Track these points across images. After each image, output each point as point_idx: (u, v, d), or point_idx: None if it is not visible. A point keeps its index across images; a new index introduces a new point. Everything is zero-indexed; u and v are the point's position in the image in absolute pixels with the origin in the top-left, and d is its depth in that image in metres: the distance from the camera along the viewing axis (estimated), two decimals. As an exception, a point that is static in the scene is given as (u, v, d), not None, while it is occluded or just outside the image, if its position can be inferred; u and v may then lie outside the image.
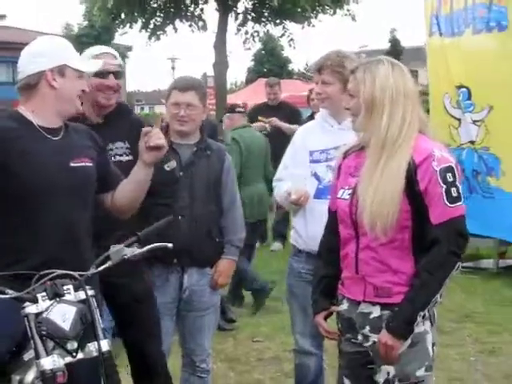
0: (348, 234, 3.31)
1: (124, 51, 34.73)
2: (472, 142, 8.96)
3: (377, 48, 70.37)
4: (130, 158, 4.07)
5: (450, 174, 3.16)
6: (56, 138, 3.33)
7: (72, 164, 3.33)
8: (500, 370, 5.95)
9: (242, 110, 8.41)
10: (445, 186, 3.14)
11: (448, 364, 5.97)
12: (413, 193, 3.15)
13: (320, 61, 4.30)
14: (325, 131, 4.33)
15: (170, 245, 3.33)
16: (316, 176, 4.25)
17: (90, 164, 3.40)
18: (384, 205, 3.13)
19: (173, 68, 49.82)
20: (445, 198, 3.13)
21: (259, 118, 10.24)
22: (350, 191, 3.30)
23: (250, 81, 43.08)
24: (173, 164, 4.30)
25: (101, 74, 4.04)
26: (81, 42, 34.35)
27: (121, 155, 4.08)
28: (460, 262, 3.20)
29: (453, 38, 9.16)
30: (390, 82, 3.24)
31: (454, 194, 3.15)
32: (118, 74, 4.13)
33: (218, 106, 22.44)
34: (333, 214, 3.46)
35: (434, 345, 3.31)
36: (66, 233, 3.26)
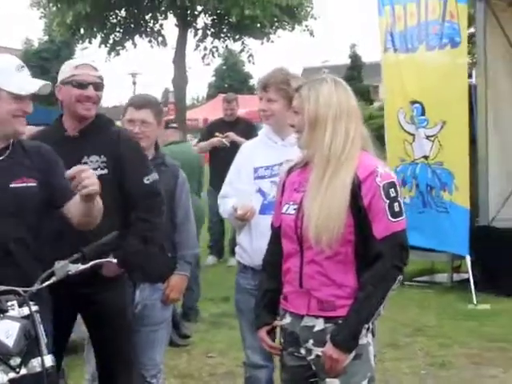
0: (292, 248, 3.35)
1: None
2: (426, 157, 9.08)
3: (338, 63, 70.92)
4: (105, 171, 4.05)
5: (392, 190, 3.23)
6: None
7: (12, 185, 3.32)
8: (450, 382, 6.04)
9: (174, 125, 8.40)
10: (388, 201, 3.21)
11: (399, 378, 6.05)
12: (356, 208, 3.21)
13: (265, 78, 4.37)
14: (268, 148, 4.38)
15: (114, 260, 3.34)
16: (261, 192, 4.30)
17: (33, 184, 3.38)
18: (330, 219, 3.18)
19: (134, 83, 49.60)
20: (388, 212, 3.20)
21: (216, 133, 10.27)
22: (295, 206, 3.34)
23: (211, 96, 43.19)
24: (155, 176, 4.25)
25: (80, 85, 4.05)
26: (41, 56, 34.27)
27: (95, 169, 4.00)
28: (402, 275, 3.26)
29: (407, 54, 9.30)
30: (334, 99, 3.30)
31: (397, 209, 3.22)
32: (98, 86, 4.12)
33: (178, 121, 22.50)
34: (276, 229, 3.51)
35: (375, 356, 3.38)
36: (3, 252, 3.26)
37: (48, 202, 3.44)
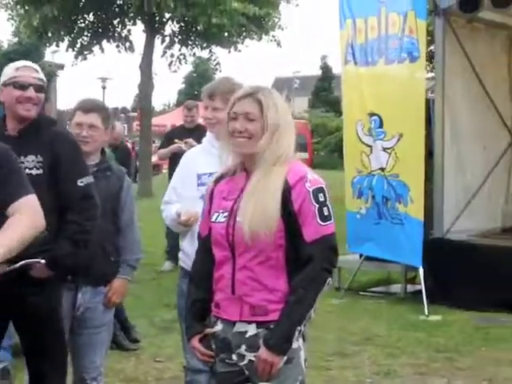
0: (224, 255, 3.38)
1: (55, 69, 34.48)
2: (382, 169, 9.17)
3: (309, 74, 71.18)
4: (40, 171, 4.06)
5: (321, 195, 3.31)
6: None
7: None
8: (394, 391, 6.11)
9: None
10: (317, 206, 3.28)
11: (344, 386, 6.11)
12: (287, 212, 3.27)
13: (211, 87, 4.45)
14: (211, 155, 4.42)
15: (42, 261, 3.36)
16: (204, 198, 4.34)
17: None
18: (261, 227, 3.23)
19: (103, 87, 49.45)
20: (317, 216, 3.28)
21: (175, 140, 10.30)
22: (225, 214, 3.39)
23: (180, 103, 43.15)
24: (90, 179, 4.26)
25: (21, 87, 4.09)
26: (9, 58, 33.99)
27: (31, 168, 4.05)
28: (331, 278, 3.33)
29: (367, 67, 9.39)
30: (285, 107, 3.42)
31: (326, 213, 3.30)
32: (39, 88, 4.15)
33: (143, 127, 22.54)
34: (204, 239, 3.54)
35: (305, 361, 3.41)
36: None
37: None
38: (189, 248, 4.39)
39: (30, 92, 4.11)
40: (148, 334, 7.66)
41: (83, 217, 4.18)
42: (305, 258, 3.27)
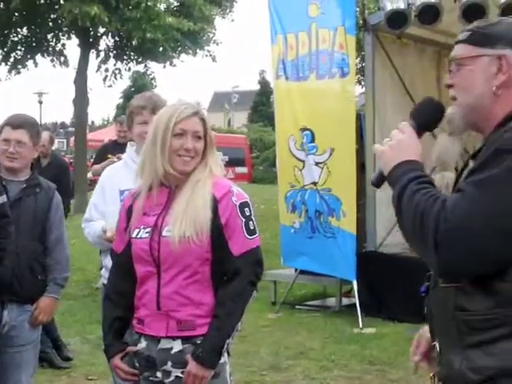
0: (147, 271, 3.37)
1: (-12, 84, 34.02)
2: (314, 184, 9.25)
3: (248, 89, 71.45)
4: None
5: (247, 209, 3.36)
6: None
7: None
8: (326, 404, 6.15)
9: None
10: (244, 220, 3.33)
11: (276, 400, 6.13)
12: (214, 226, 3.28)
13: (153, 102, 4.45)
14: (133, 171, 4.41)
15: None
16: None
17: None
18: (190, 240, 3.24)
19: (40, 102, 48.96)
20: (244, 230, 3.32)
21: (108, 155, 10.23)
22: (147, 229, 3.38)
23: (117, 117, 42.95)
24: (3, 198, 4.26)
25: None
26: None
27: None
28: (256, 290, 3.37)
29: (298, 82, 9.47)
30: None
31: (252, 227, 3.35)
32: None
33: (78, 142, 22.34)
34: (119, 256, 3.54)
35: (230, 375, 3.43)
36: None
37: None
38: None
39: None
40: (81, 351, 7.59)
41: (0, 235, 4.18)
42: (232, 272, 3.30)
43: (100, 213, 4.48)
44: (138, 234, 3.41)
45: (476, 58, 2.29)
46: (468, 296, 2.16)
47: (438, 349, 2.34)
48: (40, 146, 4.82)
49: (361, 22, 9.85)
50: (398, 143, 2.36)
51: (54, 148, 10.82)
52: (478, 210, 2.06)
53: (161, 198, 3.42)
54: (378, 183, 2.45)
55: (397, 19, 9.12)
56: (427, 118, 2.45)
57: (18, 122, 4.57)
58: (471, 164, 2.23)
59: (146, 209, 3.44)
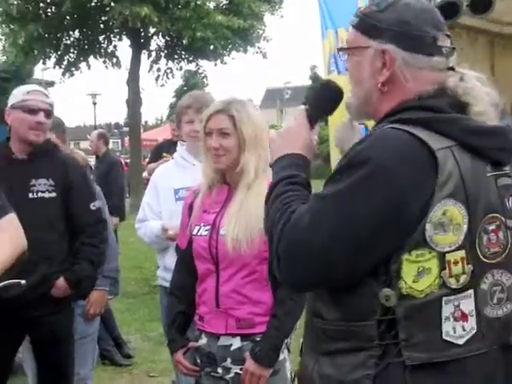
0: (207, 269, 3.40)
1: (45, 86, 34.54)
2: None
3: (299, 84, 71.27)
4: (53, 195, 4.14)
5: None
6: None
7: None
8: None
9: None
10: None
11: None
12: None
13: (198, 101, 4.45)
14: (185, 169, 4.46)
15: (23, 281, 3.39)
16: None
17: None
18: (245, 240, 3.26)
19: (94, 103, 49.46)
20: None
21: (164, 154, 10.31)
22: (207, 227, 3.41)
23: (170, 117, 43.17)
24: (99, 203, 4.38)
25: (31, 111, 4.11)
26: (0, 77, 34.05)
27: (43, 192, 4.11)
28: None
29: (351, 76, 9.40)
30: (259, 120, 3.42)
31: None
32: (48, 113, 4.18)
33: (133, 141, 22.54)
34: (183, 252, 3.57)
35: (291, 372, 3.41)
36: None
37: None
38: (171, 264, 4.39)
39: (40, 117, 4.14)
40: (142, 348, 7.67)
41: (98, 240, 4.32)
42: None
43: (154, 212, 4.52)
44: (198, 232, 3.44)
45: (363, 49, 2.16)
46: (324, 304, 2.13)
47: (300, 347, 2.34)
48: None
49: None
50: (286, 132, 2.28)
51: (109, 148, 10.96)
52: (317, 230, 1.96)
53: (220, 195, 3.45)
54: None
55: (448, 9, 9.00)
56: (322, 104, 2.31)
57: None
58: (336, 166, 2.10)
59: (205, 206, 3.47)
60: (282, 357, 3.36)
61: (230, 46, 21.95)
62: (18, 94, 4.18)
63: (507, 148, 2.13)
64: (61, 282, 4.15)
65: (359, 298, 2.02)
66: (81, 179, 4.28)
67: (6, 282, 3.35)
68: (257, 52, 22.51)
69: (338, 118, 9.41)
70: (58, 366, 4.26)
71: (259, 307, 3.34)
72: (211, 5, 21.46)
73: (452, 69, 2.17)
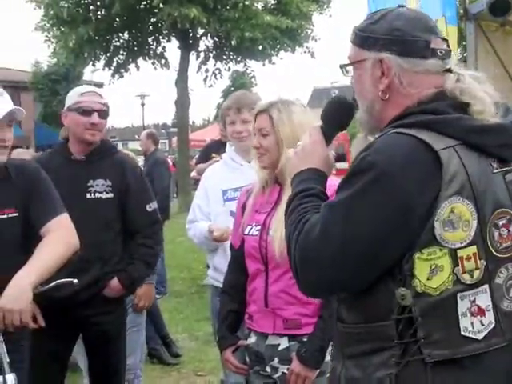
0: (256, 268, 3.41)
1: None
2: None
3: (347, 84, 71.05)
4: (110, 195, 4.18)
5: None
6: None
7: None
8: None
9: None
10: None
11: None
12: None
13: (238, 101, 4.45)
14: (234, 170, 4.47)
15: (75, 280, 3.42)
16: (232, 213, 4.34)
17: (15, 214, 3.38)
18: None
19: (142, 104, 49.85)
20: None
21: (213, 155, 10.34)
22: (258, 227, 3.41)
23: (218, 117, 43.30)
24: (154, 205, 4.40)
25: (86, 112, 4.15)
26: (50, 79, 34.48)
27: (101, 192, 4.16)
28: None
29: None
30: (306, 120, 3.38)
31: None
32: (103, 113, 4.23)
33: (181, 142, 22.66)
34: (236, 251, 3.58)
35: None
36: None
37: (29, 228, 3.43)
38: (223, 265, 4.41)
39: (95, 118, 4.17)
40: (190, 347, 7.71)
41: (153, 241, 4.36)
42: None
43: (204, 214, 4.53)
44: (249, 231, 3.46)
45: (362, 62, 2.22)
46: (345, 308, 2.18)
47: (330, 352, 2.41)
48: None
49: (461, 11, 9.65)
50: (302, 149, 2.34)
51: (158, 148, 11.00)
52: (328, 238, 2.02)
53: (272, 195, 3.45)
54: None
55: (499, 7, 8.91)
56: (335, 119, 2.37)
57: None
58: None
59: (257, 206, 3.48)
60: (328, 358, 3.32)
61: (278, 46, 21.98)
62: (73, 96, 4.22)
63: (510, 144, 2.16)
64: (114, 282, 4.19)
65: (376, 299, 2.07)
66: (137, 180, 4.31)
67: (59, 281, 3.38)
68: (305, 52, 22.52)
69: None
70: (110, 363, 4.30)
71: (307, 308, 3.33)
72: (259, 5, 21.50)
73: (450, 71, 2.19)
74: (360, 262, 2.01)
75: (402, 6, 2.26)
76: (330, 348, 3.28)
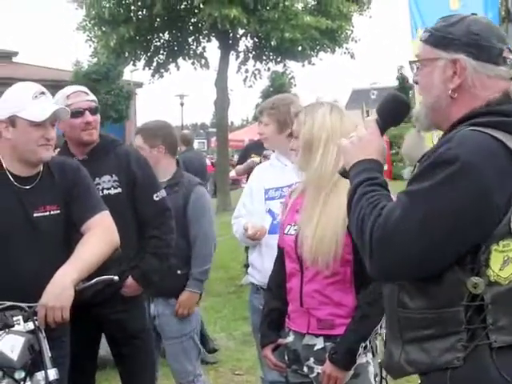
0: (293, 268, 3.44)
1: (134, 88, 35.12)
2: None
3: (386, 85, 70.66)
4: (119, 190, 4.20)
5: None
6: (26, 187, 3.39)
7: (35, 214, 3.37)
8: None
9: None
10: None
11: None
12: None
13: (270, 104, 4.58)
14: (278, 170, 4.52)
15: (116, 277, 3.46)
16: (270, 212, 4.41)
17: (57, 211, 3.42)
18: (325, 241, 3.27)
19: (181, 104, 50.06)
20: None
21: (252, 155, 10.36)
22: (295, 227, 3.44)
23: (257, 118, 43.40)
24: (163, 193, 4.40)
25: (77, 113, 4.13)
26: (90, 78, 34.74)
27: (109, 188, 4.18)
28: None
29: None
30: (327, 122, 3.40)
31: None
32: (93, 110, 4.23)
33: (220, 142, 22.71)
34: (281, 250, 3.60)
35: (375, 376, 3.38)
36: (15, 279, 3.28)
37: (71, 225, 3.49)
38: (258, 262, 4.46)
39: (87, 116, 4.18)
40: (227, 347, 7.73)
41: (162, 231, 4.34)
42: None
43: (248, 211, 4.59)
44: (288, 231, 3.50)
45: (434, 60, 2.33)
46: (408, 294, 2.27)
47: (384, 338, 2.51)
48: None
49: (503, 12, 9.57)
50: (359, 140, 2.42)
51: (195, 148, 11.02)
52: (409, 221, 2.11)
53: (306, 196, 3.46)
54: (343, 176, 2.53)
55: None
56: (391, 114, 2.47)
57: (136, 130, 4.94)
58: (417, 168, 2.29)
59: (298, 206, 3.50)
60: (364, 360, 3.35)
61: (317, 47, 21.94)
62: (59, 101, 4.11)
63: None
64: (129, 281, 4.22)
65: (445, 287, 2.18)
66: (143, 171, 4.31)
67: (99, 278, 3.42)
68: (344, 53, 22.47)
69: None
70: (135, 361, 4.33)
71: (341, 309, 3.35)
72: (299, 6, 21.48)
73: None
74: (438, 247, 2.11)
75: (475, 14, 2.37)
76: (362, 349, 3.28)
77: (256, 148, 10.57)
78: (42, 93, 3.45)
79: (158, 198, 4.33)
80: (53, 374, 3.12)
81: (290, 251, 3.45)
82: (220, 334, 8.20)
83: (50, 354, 3.14)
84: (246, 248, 10.72)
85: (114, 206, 3.95)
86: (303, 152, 3.41)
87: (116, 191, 4.20)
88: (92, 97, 4.29)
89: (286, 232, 3.50)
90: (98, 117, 4.27)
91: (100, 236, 3.40)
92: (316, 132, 3.38)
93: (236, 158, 20.12)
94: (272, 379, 4.54)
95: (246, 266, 10.99)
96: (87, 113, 4.19)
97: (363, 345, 3.28)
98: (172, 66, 23.03)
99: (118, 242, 3.50)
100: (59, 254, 3.33)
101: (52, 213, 3.41)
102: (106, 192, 4.17)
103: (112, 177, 4.21)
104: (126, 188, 4.21)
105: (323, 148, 3.36)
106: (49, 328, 3.17)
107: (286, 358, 3.54)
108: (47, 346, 3.15)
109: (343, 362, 3.28)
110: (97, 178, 4.15)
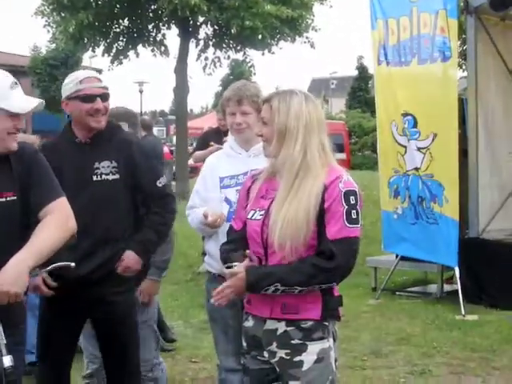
0: (257, 252, 3.44)
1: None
2: (417, 169, 9.15)
3: (345, 75, 71.00)
4: (117, 176, 4.21)
5: (353, 197, 3.31)
6: None
7: None
8: (428, 391, 6.11)
9: None
10: (346, 207, 3.28)
11: (377, 385, 6.13)
12: (320, 212, 3.29)
13: (238, 93, 4.46)
14: (233, 158, 4.51)
15: (72, 264, 3.43)
16: (227, 200, 4.40)
17: (13, 197, 3.35)
18: (295, 227, 3.27)
19: (141, 91, 49.71)
20: (344, 217, 3.28)
21: (211, 143, 10.34)
22: (262, 212, 3.44)
23: (217, 105, 43.29)
24: (164, 180, 4.42)
25: (88, 99, 4.15)
26: (49, 64, 34.41)
27: (107, 174, 4.18)
28: (336, 282, 3.36)
29: (400, 67, 9.37)
30: (304, 111, 3.40)
31: (354, 216, 3.30)
32: (105, 97, 4.23)
33: (179, 130, 22.64)
34: (235, 233, 3.59)
35: (335, 361, 3.43)
36: None
37: (28, 211, 3.42)
38: (214, 250, 4.43)
39: (98, 103, 4.18)
40: (185, 334, 7.75)
41: (165, 209, 4.39)
42: (327, 256, 3.26)
43: (202, 199, 4.55)
44: (253, 216, 3.48)
45: None
46: None
47: None
48: None
49: (462, 4, 9.66)
50: None
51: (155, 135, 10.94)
52: None
53: (278, 183, 3.46)
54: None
55: (500, 1, 8.94)
56: None
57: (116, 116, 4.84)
58: None
59: (263, 192, 3.51)
60: (326, 345, 3.37)
61: (278, 36, 21.93)
62: (71, 84, 4.20)
63: None
64: (128, 254, 4.22)
65: None
66: (145, 157, 4.34)
67: (56, 264, 3.39)
68: (305, 42, 22.47)
69: (391, 113, 9.39)
70: (120, 344, 4.31)
71: (306, 294, 3.33)
72: (260, -6, 21.41)
73: None
74: None
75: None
76: (271, 289, 3.28)
77: (214, 136, 10.57)
78: (16, 83, 3.39)
79: (160, 185, 4.36)
80: (8, 360, 3.08)
81: (255, 236, 3.44)
82: (177, 322, 8.22)
83: (5, 341, 3.11)
84: (203, 236, 10.76)
85: (110, 192, 4.03)
86: (278, 139, 3.40)
87: (114, 177, 4.20)
88: (104, 84, 4.28)
89: (250, 217, 3.49)
90: (108, 104, 4.27)
91: (56, 222, 3.36)
92: (293, 120, 3.37)
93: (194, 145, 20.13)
94: (228, 366, 4.55)
95: (204, 253, 11.02)
96: (98, 99, 4.18)
97: (272, 288, 3.29)
98: (131, 53, 22.89)
99: (74, 228, 3.46)
100: (15, 241, 3.29)
101: (8, 199, 3.35)
102: (103, 177, 4.18)
103: (112, 163, 4.21)
104: (124, 175, 4.21)
105: (302, 137, 3.37)
106: (5, 315, 3.13)
107: (245, 343, 3.54)
108: (2, 332, 3.11)
109: (254, 283, 3.31)
110: (96, 163, 4.18)
